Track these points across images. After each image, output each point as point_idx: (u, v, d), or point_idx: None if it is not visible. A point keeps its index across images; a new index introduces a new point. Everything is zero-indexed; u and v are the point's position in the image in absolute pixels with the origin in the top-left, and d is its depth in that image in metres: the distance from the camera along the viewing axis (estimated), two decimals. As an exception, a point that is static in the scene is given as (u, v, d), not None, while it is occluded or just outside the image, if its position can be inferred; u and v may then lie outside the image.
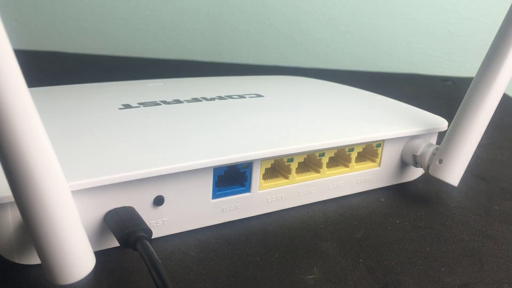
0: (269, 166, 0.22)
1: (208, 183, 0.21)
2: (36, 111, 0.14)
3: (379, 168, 0.26)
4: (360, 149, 0.25)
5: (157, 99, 0.27)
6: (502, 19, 0.23)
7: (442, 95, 0.50)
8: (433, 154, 0.25)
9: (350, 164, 0.25)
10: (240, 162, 0.21)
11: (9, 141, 0.13)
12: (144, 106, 0.26)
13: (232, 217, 0.22)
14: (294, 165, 0.23)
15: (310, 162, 0.24)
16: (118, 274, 0.18)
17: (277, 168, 0.23)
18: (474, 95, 0.24)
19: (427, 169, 0.26)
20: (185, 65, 0.57)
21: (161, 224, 0.20)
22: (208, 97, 0.28)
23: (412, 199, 0.26)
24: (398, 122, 0.27)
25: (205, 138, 0.22)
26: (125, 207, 0.19)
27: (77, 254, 0.16)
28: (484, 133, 0.24)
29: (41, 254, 0.16)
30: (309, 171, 0.24)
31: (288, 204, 0.24)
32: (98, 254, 0.18)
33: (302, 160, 0.23)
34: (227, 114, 0.25)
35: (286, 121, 0.25)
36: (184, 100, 0.27)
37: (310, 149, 0.23)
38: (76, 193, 0.17)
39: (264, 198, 0.23)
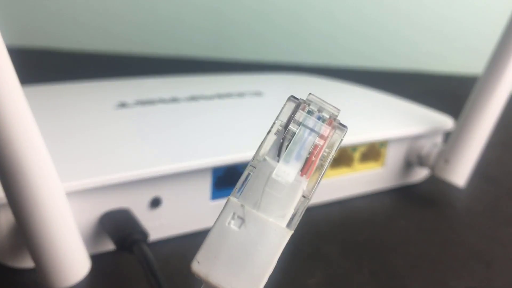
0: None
1: (206, 184, 0.20)
2: (30, 110, 0.14)
3: (383, 168, 0.26)
4: (364, 149, 0.25)
5: (155, 97, 0.27)
6: (509, 15, 0.23)
7: (448, 93, 0.49)
8: (439, 154, 0.25)
9: (353, 165, 0.25)
10: (239, 162, 0.20)
11: (2, 141, 0.13)
12: (141, 105, 0.25)
13: (232, 219, 0.22)
14: (295, 166, 0.23)
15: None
16: (114, 278, 0.18)
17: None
18: (480, 93, 0.23)
19: (432, 169, 0.25)
20: (183, 62, 0.57)
21: (158, 226, 0.20)
22: (207, 96, 0.28)
23: (417, 200, 0.26)
24: (402, 121, 0.27)
25: (204, 138, 0.21)
26: (121, 209, 0.18)
27: (72, 258, 0.16)
28: (491, 133, 0.24)
29: (35, 257, 0.15)
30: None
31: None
32: (94, 258, 0.17)
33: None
34: (226, 113, 0.25)
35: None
36: (182, 99, 0.27)
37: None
38: (70, 194, 0.17)
39: (265, 199, 0.22)
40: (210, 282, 0.09)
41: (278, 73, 0.40)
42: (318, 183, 0.09)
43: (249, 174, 0.10)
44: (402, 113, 0.28)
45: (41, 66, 0.48)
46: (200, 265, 0.09)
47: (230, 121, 0.24)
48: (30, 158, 0.14)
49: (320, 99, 0.10)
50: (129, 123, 0.23)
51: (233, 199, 0.09)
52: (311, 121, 0.09)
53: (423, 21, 0.60)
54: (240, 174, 0.21)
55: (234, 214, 0.09)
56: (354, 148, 0.24)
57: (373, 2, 0.59)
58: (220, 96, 0.28)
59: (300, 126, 0.09)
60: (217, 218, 0.09)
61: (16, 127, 0.13)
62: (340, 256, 0.20)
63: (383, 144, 0.25)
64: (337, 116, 0.10)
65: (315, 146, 0.09)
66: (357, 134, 0.24)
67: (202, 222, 0.21)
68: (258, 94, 0.29)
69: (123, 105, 0.25)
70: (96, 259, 0.18)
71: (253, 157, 0.10)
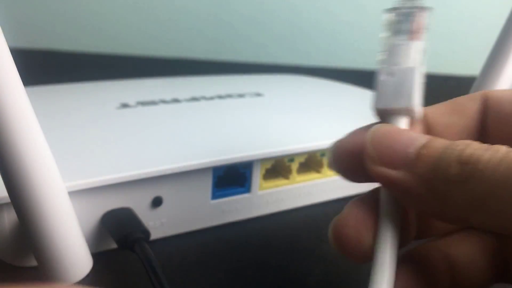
0: (269, 166, 0.22)
1: (207, 183, 0.20)
2: (33, 111, 0.14)
3: (381, 168, 0.26)
4: (362, 149, 0.25)
5: (156, 98, 0.27)
6: (506, 17, 0.23)
7: (445, 94, 0.50)
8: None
9: (351, 164, 0.25)
10: (239, 162, 0.20)
11: (5, 141, 0.13)
12: (142, 105, 0.25)
13: (231, 218, 0.22)
14: (294, 165, 0.23)
15: (311, 162, 0.24)
16: (115, 276, 0.18)
17: (278, 168, 0.23)
18: (477, 94, 0.24)
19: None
20: (184, 63, 0.57)
21: (160, 225, 0.20)
22: (207, 96, 0.28)
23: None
24: (400, 121, 0.27)
25: (204, 138, 0.21)
26: (123, 208, 0.19)
27: (74, 256, 0.16)
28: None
29: (38, 256, 0.15)
30: (310, 171, 0.24)
31: (289, 205, 0.24)
32: (96, 256, 0.18)
33: (303, 160, 0.23)
34: (226, 114, 0.25)
35: (287, 121, 0.25)
36: (183, 99, 0.27)
37: (311, 149, 0.22)
38: (73, 194, 0.17)
39: (264, 199, 0.23)
40: (386, 108, 0.14)
41: (277, 74, 0.41)
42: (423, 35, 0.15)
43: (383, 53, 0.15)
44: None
45: (43, 67, 0.48)
46: (377, 104, 0.14)
47: (231, 121, 0.24)
48: (33, 158, 0.14)
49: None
50: (131, 123, 0.23)
51: (380, 67, 0.15)
52: (405, 11, 0.15)
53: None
54: (240, 173, 0.22)
55: (386, 72, 0.14)
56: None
57: (371, 4, 0.59)
58: (221, 96, 0.28)
59: (399, 15, 0.15)
60: (377, 83, 0.15)
61: (19, 127, 0.13)
62: (339, 254, 0.20)
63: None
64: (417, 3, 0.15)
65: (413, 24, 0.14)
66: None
67: (202, 222, 0.21)
68: (258, 94, 0.29)
69: (125, 105, 0.25)
70: (98, 256, 0.18)
71: (383, 44, 0.15)
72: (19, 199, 0.14)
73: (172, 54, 0.59)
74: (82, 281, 0.16)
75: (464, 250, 0.14)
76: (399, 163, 0.12)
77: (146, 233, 0.18)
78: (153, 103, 0.26)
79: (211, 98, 0.28)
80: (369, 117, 0.27)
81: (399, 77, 0.14)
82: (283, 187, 0.23)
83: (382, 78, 0.14)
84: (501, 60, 0.23)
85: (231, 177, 0.21)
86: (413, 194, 0.12)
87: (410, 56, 0.14)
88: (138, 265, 0.17)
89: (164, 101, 0.26)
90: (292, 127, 0.24)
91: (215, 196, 0.21)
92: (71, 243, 0.16)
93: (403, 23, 0.14)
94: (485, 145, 0.11)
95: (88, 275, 0.16)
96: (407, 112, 0.14)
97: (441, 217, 0.12)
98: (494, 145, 0.11)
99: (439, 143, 0.12)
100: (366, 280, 0.19)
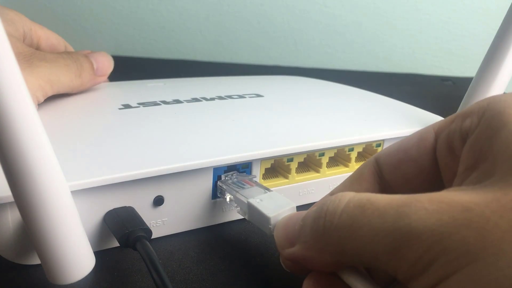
0: (269, 166, 0.22)
1: (208, 183, 0.21)
2: (36, 111, 0.14)
3: (379, 168, 0.26)
4: (360, 149, 0.25)
5: (157, 99, 0.27)
6: (502, 18, 0.24)
7: (442, 95, 0.50)
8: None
9: (350, 164, 0.25)
10: (240, 162, 0.21)
11: (9, 141, 0.13)
12: (143, 106, 0.26)
13: (232, 217, 0.22)
14: (294, 165, 0.23)
15: (310, 162, 0.24)
16: (118, 274, 0.18)
17: (277, 168, 0.23)
18: (474, 94, 0.24)
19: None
20: (185, 65, 0.57)
21: (161, 224, 0.20)
22: (208, 97, 0.28)
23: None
24: (398, 121, 0.27)
25: (205, 138, 0.22)
26: (125, 207, 0.19)
27: (77, 254, 0.16)
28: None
29: (41, 254, 0.16)
30: (309, 171, 0.24)
31: (288, 204, 0.24)
32: (98, 254, 0.18)
33: (302, 160, 0.23)
34: (227, 114, 0.25)
35: (286, 121, 0.25)
36: (184, 100, 0.27)
37: (310, 149, 0.23)
38: (76, 193, 0.17)
39: (264, 198, 0.23)
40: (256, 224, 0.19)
41: (277, 75, 0.41)
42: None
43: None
44: (397, 114, 0.29)
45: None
46: (272, 231, 0.17)
47: (231, 122, 0.24)
48: (36, 158, 0.14)
49: (230, 175, 0.21)
50: (133, 124, 0.23)
51: (241, 214, 0.20)
52: (235, 180, 0.21)
53: (419, 24, 0.61)
54: (240, 172, 0.22)
55: (247, 216, 0.20)
56: (351, 148, 0.25)
57: (370, 6, 0.60)
58: (221, 97, 0.28)
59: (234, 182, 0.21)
60: (252, 220, 0.19)
61: (23, 127, 0.13)
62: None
63: (378, 144, 0.26)
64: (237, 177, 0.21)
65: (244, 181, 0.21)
66: (354, 135, 0.24)
67: (203, 220, 0.21)
68: (258, 95, 0.30)
69: (126, 106, 0.25)
70: (100, 255, 0.18)
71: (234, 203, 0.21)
72: (23, 198, 0.14)
73: (173, 56, 0.59)
74: (85, 279, 0.16)
75: None
76: (294, 241, 0.15)
77: (148, 231, 0.18)
78: (154, 103, 0.26)
79: (212, 98, 0.28)
80: (363, 117, 0.27)
81: (251, 211, 0.19)
82: (283, 186, 0.23)
83: (248, 218, 0.19)
84: (497, 61, 0.23)
85: (231, 177, 0.22)
86: (308, 258, 0.14)
87: (245, 197, 0.19)
88: (140, 263, 0.17)
89: (165, 102, 0.27)
90: (292, 127, 0.24)
91: (215, 195, 0.21)
92: (74, 241, 0.16)
93: (235, 187, 0.20)
94: (333, 196, 0.14)
95: (90, 273, 0.16)
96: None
97: (341, 264, 0.14)
98: (340, 194, 0.13)
99: (310, 210, 0.14)
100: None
